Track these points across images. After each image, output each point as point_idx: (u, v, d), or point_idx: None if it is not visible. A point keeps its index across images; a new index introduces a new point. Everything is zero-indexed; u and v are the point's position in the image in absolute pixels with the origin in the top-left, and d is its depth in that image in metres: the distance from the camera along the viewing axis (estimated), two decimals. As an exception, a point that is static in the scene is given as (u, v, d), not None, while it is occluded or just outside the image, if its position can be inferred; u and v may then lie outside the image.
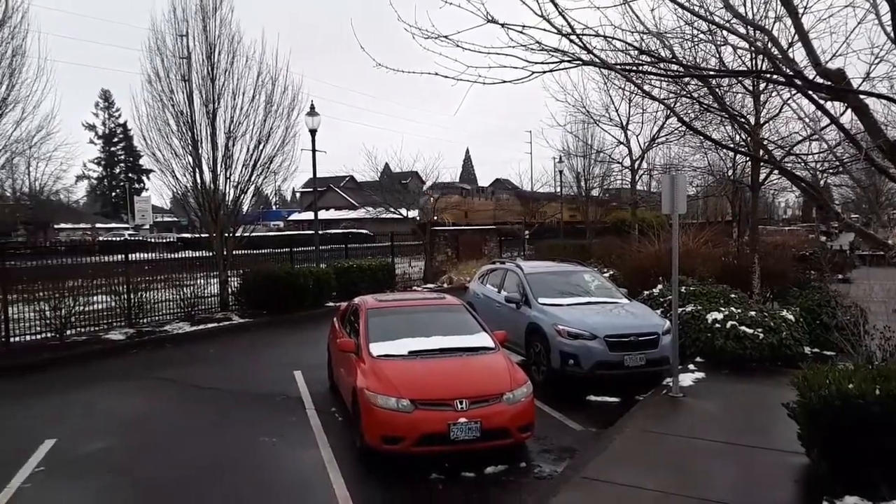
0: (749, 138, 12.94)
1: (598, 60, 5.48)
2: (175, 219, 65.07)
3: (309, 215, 47.27)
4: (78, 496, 6.61)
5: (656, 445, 7.30)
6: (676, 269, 9.48)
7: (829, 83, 5.01)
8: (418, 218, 28.45)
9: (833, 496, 5.62)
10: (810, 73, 5.21)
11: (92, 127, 74.16)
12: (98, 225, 58.62)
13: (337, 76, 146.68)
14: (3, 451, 7.55)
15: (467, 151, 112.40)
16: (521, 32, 5.13)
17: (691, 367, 10.48)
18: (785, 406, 6.64)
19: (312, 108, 20.46)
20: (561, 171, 34.89)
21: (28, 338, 13.27)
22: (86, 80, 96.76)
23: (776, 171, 13.06)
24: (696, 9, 5.83)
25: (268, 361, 12.56)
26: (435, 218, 26.88)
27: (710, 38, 7.25)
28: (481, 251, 29.57)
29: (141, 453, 7.61)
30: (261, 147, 17.31)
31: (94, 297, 14.48)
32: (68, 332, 13.71)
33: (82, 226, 56.26)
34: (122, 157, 75.71)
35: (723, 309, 11.12)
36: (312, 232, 23.50)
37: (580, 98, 23.76)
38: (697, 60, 9.39)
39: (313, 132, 20.90)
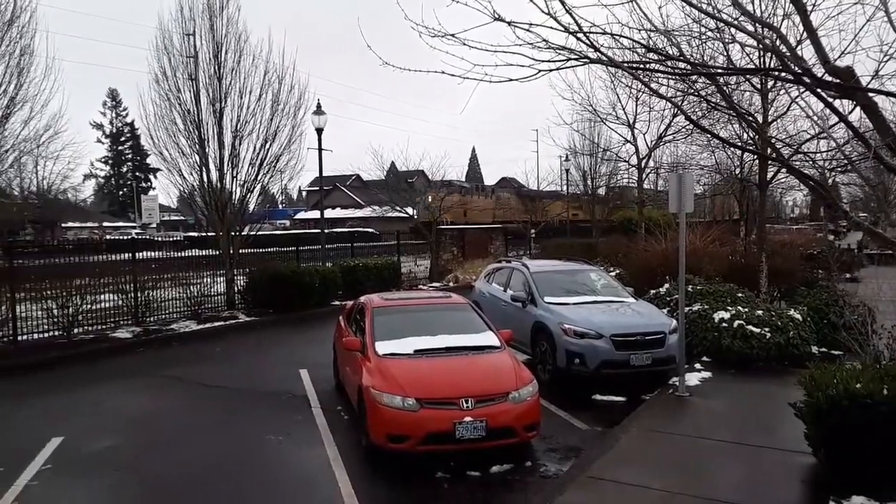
0: (757, 136, 12.87)
1: (605, 58, 5.45)
2: (182, 217, 65.43)
3: (315, 214, 47.29)
4: (85, 494, 6.65)
5: (662, 445, 7.28)
6: (683, 268, 9.45)
7: (838, 81, 4.97)
8: (416, 215, 28.50)
9: (840, 496, 5.60)
10: (819, 71, 5.16)
11: (99, 126, 74.70)
12: (105, 224, 59.01)
13: (344, 76, 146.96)
14: (10, 449, 7.59)
15: (473, 150, 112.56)
16: (527, 31, 5.11)
17: (698, 366, 10.46)
18: (792, 406, 6.62)
19: (319, 106, 20.50)
20: (567, 170, 34.85)
21: (36, 336, 13.33)
22: (93, 79, 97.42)
23: (784, 170, 12.99)
24: (704, 6, 5.79)
25: (274, 360, 12.59)
26: (433, 216, 26.85)
27: (718, 35, 7.20)
28: (487, 250, 29.58)
29: (147, 451, 7.64)
30: (267, 146, 17.39)
31: (102, 296, 14.56)
32: (75, 330, 13.77)
33: (90, 224, 56.62)
34: (130, 156, 76.10)
35: (730, 308, 11.08)
36: (318, 231, 23.53)
37: (587, 96, 23.73)
38: (705, 58, 9.34)
39: (319, 131, 20.94)
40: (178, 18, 16.74)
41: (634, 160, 23.82)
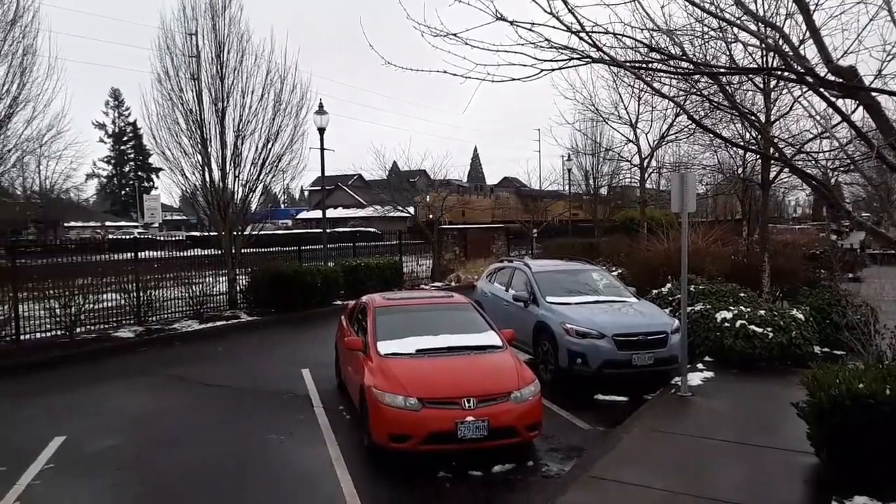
0: (759, 136, 12.84)
1: (607, 58, 5.45)
2: (184, 217, 65.48)
3: (317, 214, 47.39)
4: (87, 493, 6.65)
5: (664, 445, 7.27)
6: (685, 268, 9.43)
7: (841, 80, 4.96)
8: (413, 213, 28.52)
9: (842, 496, 5.58)
10: (822, 71, 5.16)
11: (102, 126, 74.73)
12: (108, 223, 59.02)
13: (346, 76, 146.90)
14: (13, 448, 7.60)
15: (475, 149, 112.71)
16: (530, 30, 5.12)
17: (700, 366, 10.44)
18: (794, 405, 6.61)
19: (321, 106, 20.51)
20: (569, 170, 34.80)
21: (38, 335, 13.35)
22: (96, 78, 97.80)
23: (787, 169, 12.97)
24: (707, 6, 5.79)
25: (276, 359, 12.60)
26: (430, 216, 26.87)
27: (721, 35, 7.19)
28: (489, 250, 29.55)
29: (150, 451, 7.65)
30: (269, 145, 17.38)
31: (104, 295, 14.58)
32: (78, 329, 13.78)
33: (92, 224, 56.65)
34: (132, 155, 76.17)
35: (732, 308, 11.06)
36: (320, 230, 23.55)
37: (589, 96, 23.62)
38: (708, 58, 9.32)
39: (322, 130, 20.96)
40: (180, 18, 16.76)
41: (637, 160, 23.79)
